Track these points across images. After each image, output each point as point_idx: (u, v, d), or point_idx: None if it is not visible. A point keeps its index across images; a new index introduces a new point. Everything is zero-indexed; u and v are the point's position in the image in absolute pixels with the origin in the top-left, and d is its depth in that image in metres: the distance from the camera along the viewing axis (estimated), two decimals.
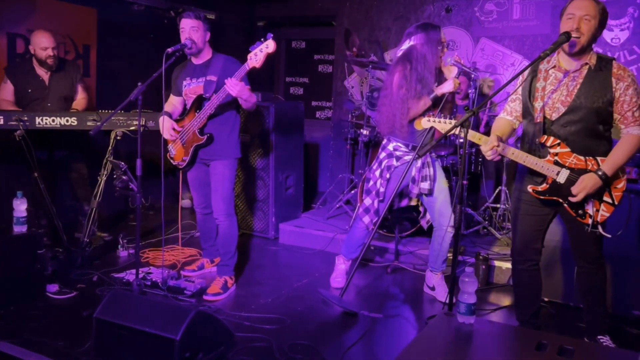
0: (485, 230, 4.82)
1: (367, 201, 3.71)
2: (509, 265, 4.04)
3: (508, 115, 2.89)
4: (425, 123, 2.92)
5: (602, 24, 2.62)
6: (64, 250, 4.06)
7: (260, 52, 3.23)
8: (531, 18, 5.29)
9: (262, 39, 3.24)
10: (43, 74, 4.32)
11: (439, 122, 2.86)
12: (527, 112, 2.78)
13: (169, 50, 3.35)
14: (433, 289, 3.80)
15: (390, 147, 3.64)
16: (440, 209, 3.62)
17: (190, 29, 3.51)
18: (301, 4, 6.68)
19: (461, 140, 4.33)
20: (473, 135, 2.71)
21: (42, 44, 4.22)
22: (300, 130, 5.39)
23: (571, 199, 2.64)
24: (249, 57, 3.27)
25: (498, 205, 4.90)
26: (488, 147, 2.66)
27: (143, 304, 2.78)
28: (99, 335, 2.72)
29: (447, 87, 3.40)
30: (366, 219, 3.72)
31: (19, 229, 3.44)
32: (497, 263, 4.12)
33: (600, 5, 2.62)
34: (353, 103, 5.55)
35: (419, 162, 3.54)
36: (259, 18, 7.09)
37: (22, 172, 4.12)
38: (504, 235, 4.72)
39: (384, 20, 6.11)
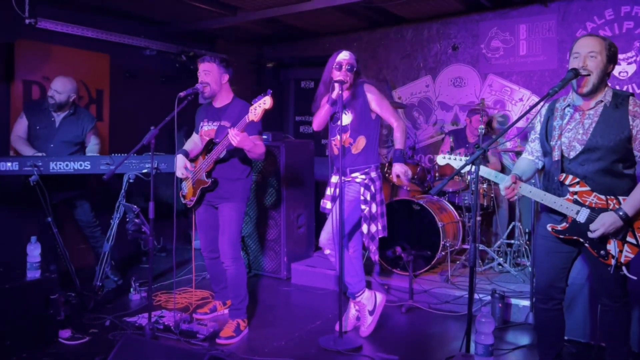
0: (501, 267, 4.76)
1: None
2: (526, 302, 3.97)
3: (529, 155, 2.89)
4: (440, 160, 2.95)
5: (611, 60, 2.60)
6: (76, 295, 4.06)
7: (259, 107, 3.30)
8: (538, 54, 5.34)
9: (262, 94, 3.31)
10: (55, 115, 4.41)
11: (454, 159, 2.87)
12: (545, 151, 2.77)
13: (181, 94, 3.41)
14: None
15: None
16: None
17: (202, 72, 3.59)
18: (309, 45, 6.81)
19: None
20: (489, 173, 2.72)
21: (53, 86, 4.35)
22: (311, 169, 5.41)
23: (589, 235, 2.59)
24: (249, 109, 3.34)
25: (512, 241, 4.84)
26: (504, 185, 2.67)
27: (156, 349, 2.76)
28: None
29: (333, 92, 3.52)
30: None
31: (33, 274, 3.44)
32: (513, 300, 4.04)
33: (607, 42, 2.61)
34: None
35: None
36: (268, 59, 7.23)
37: (35, 216, 4.16)
38: (519, 271, 4.64)
39: (391, 59, 6.20)
